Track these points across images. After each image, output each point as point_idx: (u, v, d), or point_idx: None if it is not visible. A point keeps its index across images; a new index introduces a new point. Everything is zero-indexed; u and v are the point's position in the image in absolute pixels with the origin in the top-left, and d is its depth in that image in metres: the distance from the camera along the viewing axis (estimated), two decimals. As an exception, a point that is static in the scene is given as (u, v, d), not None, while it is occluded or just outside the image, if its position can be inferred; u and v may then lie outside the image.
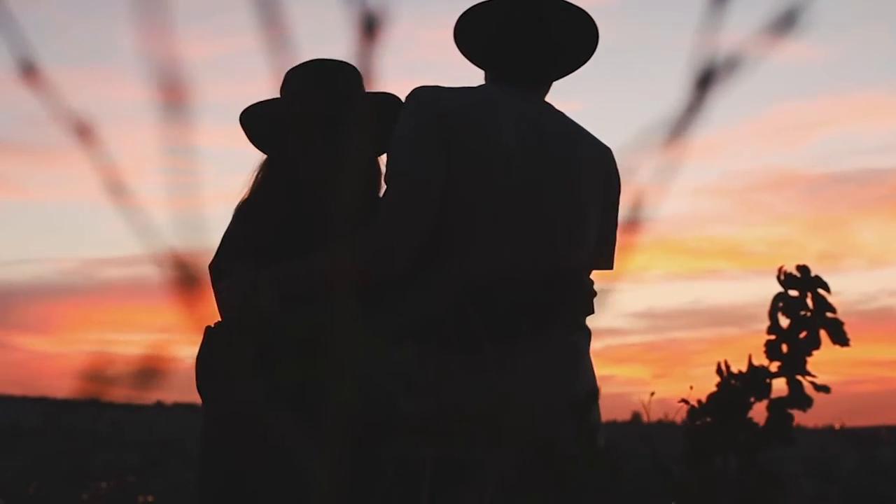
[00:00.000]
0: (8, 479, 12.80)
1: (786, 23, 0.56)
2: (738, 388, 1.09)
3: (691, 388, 1.15)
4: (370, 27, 0.53)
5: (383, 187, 2.49)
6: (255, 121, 2.61)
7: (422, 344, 2.03)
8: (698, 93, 0.52)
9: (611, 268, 2.49)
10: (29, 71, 0.55)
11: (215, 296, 2.51)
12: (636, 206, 0.52)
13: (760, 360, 1.11)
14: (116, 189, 0.56)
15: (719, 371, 1.10)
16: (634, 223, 0.52)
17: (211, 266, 2.55)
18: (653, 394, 1.59)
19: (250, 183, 2.63)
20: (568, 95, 2.57)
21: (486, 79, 2.52)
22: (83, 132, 0.56)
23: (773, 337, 1.10)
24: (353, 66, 2.63)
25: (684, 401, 1.18)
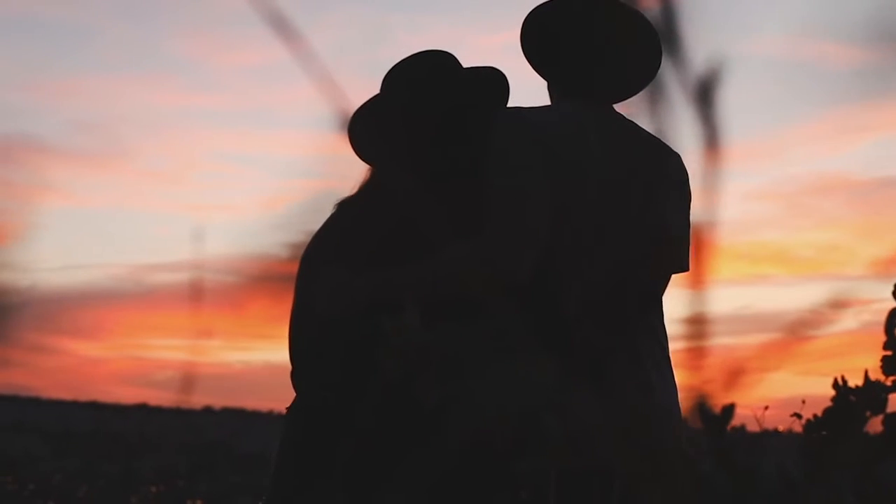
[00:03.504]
0: (58, 483, 12.96)
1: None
2: (854, 402, 1.11)
3: (804, 402, 1.17)
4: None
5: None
6: (362, 129, 2.52)
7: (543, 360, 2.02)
8: None
9: (686, 269, 2.51)
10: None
11: (303, 289, 2.46)
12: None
13: (877, 374, 1.12)
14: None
15: (836, 385, 1.12)
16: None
17: (306, 258, 2.50)
18: (766, 408, 1.61)
19: (358, 181, 2.56)
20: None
21: (550, 90, 2.52)
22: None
23: (889, 352, 1.12)
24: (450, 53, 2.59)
25: (797, 415, 1.21)
